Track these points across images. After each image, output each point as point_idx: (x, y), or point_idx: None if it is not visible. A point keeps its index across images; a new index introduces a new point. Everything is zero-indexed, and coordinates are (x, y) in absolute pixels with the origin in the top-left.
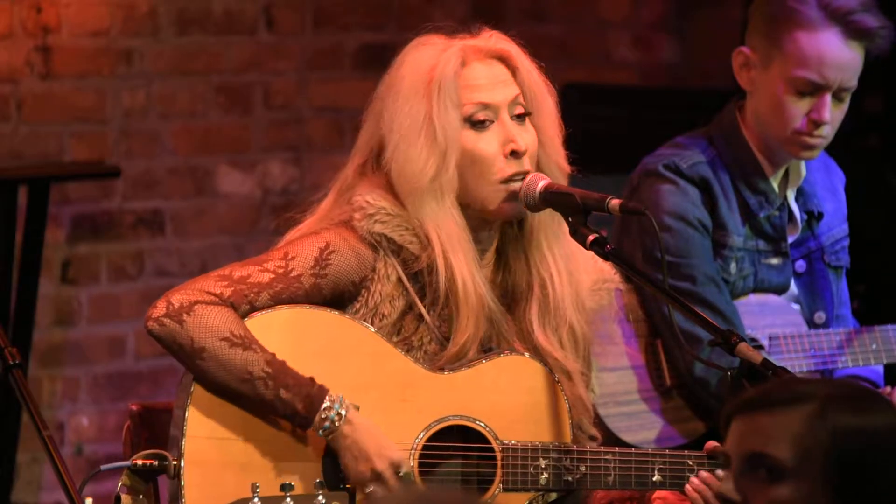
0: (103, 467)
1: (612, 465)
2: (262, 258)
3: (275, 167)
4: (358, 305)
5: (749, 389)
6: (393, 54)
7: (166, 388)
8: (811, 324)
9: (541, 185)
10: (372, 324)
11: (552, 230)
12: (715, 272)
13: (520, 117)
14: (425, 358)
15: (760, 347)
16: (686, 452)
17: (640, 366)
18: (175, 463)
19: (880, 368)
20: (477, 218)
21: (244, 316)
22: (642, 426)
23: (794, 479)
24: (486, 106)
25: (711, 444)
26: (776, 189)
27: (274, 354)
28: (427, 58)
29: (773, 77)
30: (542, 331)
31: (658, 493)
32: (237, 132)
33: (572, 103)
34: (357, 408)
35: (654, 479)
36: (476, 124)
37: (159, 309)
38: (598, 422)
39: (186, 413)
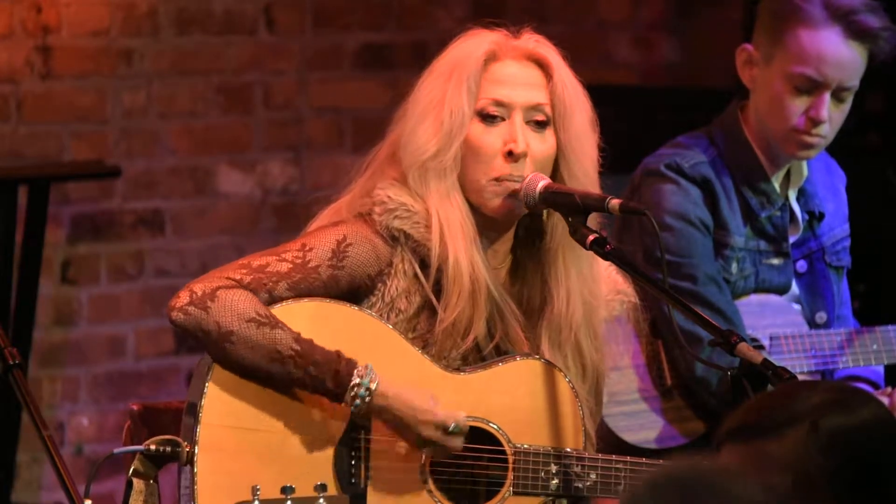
0: (116, 451)
1: (622, 473)
2: (281, 248)
3: (275, 167)
4: (374, 299)
5: (739, 410)
6: (393, 54)
7: (166, 388)
8: (812, 324)
9: (541, 185)
10: (388, 319)
11: (570, 248)
12: (716, 272)
13: (538, 124)
14: (437, 352)
15: (761, 347)
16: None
17: (641, 365)
18: (188, 450)
19: (881, 369)
20: (482, 214)
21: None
22: (643, 426)
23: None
24: (500, 103)
25: None
26: (777, 189)
27: (300, 333)
28: (464, 46)
29: (774, 74)
30: (549, 349)
31: None
32: (237, 132)
33: None
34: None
35: None
36: (486, 118)
37: (182, 298)
38: (599, 422)
39: (203, 401)
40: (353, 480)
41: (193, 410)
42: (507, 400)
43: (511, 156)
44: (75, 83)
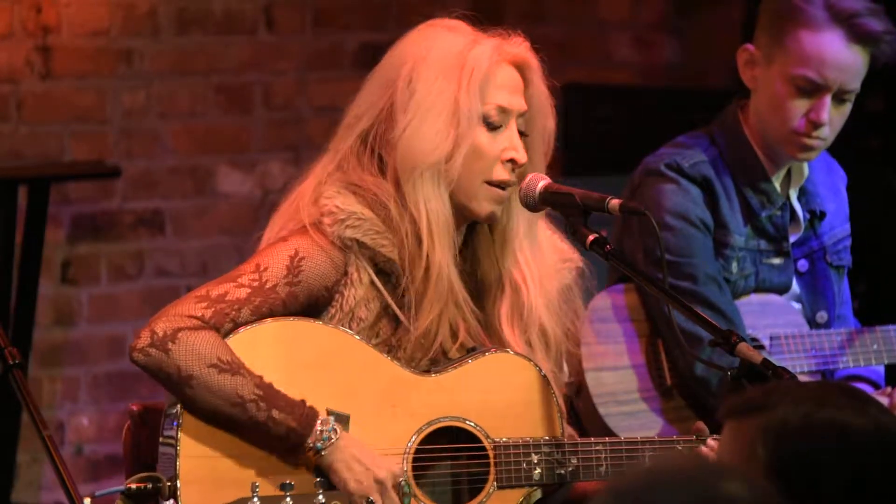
0: (97, 493)
1: (603, 455)
2: (236, 273)
3: (275, 167)
4: (333, 311)
5: (743, 391)
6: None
7: None
8: (813, 323)
9: (541, 185)
10: (349, 328)
11: (523, 235)
12: (716, 272)
13: (520, 132)
14: (406, 357)
15: (762, 347)
16: (675, 437)
17: (641, 365)
18: (170, 484)
19: (881, 369)
20: (462, 213)
21: (228, 334)
22: (642, 426)
23: None
24: (504, 110)
25: (700, 424)
26: (778, 189)
27: (262, 377)
28: (458, 42)
29: (775, 75)
30: (511, 330)
31: None
32: (237, 132)
33: (572, 103)
34: (347, 418)
35: None
36: (490, 124)
37: (143, 339)
38: (599, 422)
39: (179, 433)
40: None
41: (171, 443)
42: (481, 396)
43: (512, 163)
44: (75, 83)
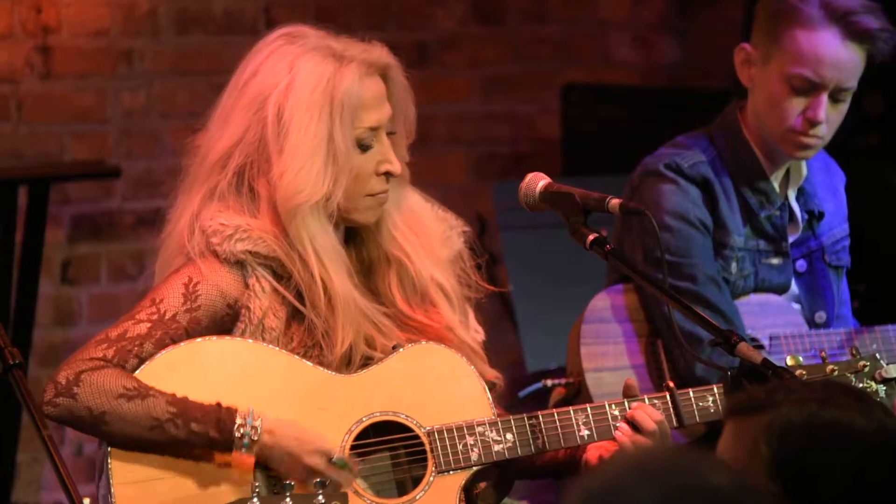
0: None
1: (538, 429)
2: (133, 312)
3: None
4: (242, 326)
5: (745, 391)
6: (393, 54)
7: None
8: (812, 323)
9: (541, 184)
10: (262, 339)
11: (394, 207)
12: (716, 272)
13: (389, 134)
14: (325, 357)
15: (761, 347)
16: (606, 402)
17: (641, 365)
18: None
19: None
20: (344, 218)
21: (135, 370)
22: None
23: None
24: (374, 129)
25: (630, 381)
26: (777, 189)
27: (174, 394)
28: (322, 69)
29: (772, 74)
30: (405, 300)
31: (591, 446)
32: None
33: (572, 103)
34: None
35: (582, 434)
36: (363, 146)
37: (49, 392)
38: None
39: (108, 463)
40: (276, 494)
41: (104, 474)
42: (408, 387)
43: (387, 175)
44: (75, 83)
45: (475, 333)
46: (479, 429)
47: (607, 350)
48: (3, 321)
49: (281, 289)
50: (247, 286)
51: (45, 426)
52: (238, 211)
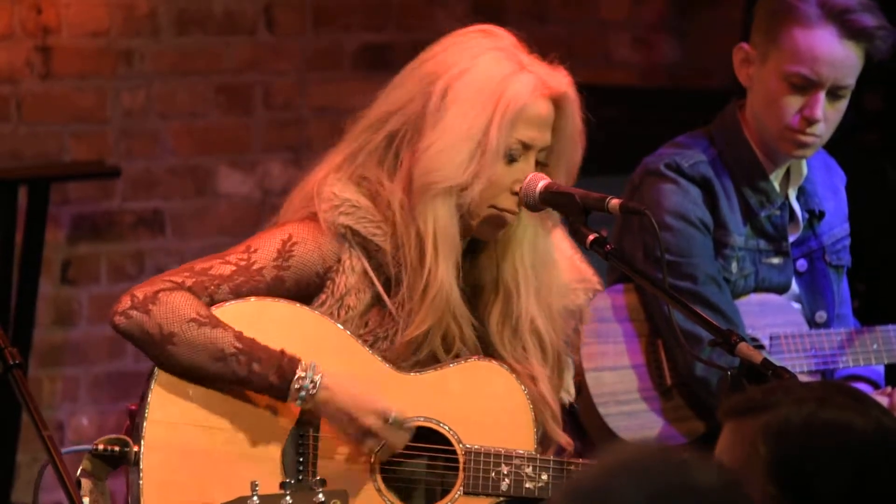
0: (65, 450)
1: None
2: (226, 252)
3: (275, 167)
4: (324, 297)
5: (743, 392)
6: (393, 55)
7: None
8: (812, 323)
9: (541, 184)
10: (338, 315)
11: (526, 245)
12: (716, 272)
13: (538, 162)
14: (392, 351)
15: (761, 347)
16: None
17: (641, 365)
18: (136, 450)
19: (881, 368)
20: (464, 228)
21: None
22: (642, 426)
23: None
24: (527, 145)
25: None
26: (777, 188)
27: (241, 332)
28: (501, 68)
29: (769, 73)
30: (501, 335)
31: None
32: (237, 132)
33: None
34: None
35: None
36: (510, 157)
37: (124, 303)
38: (599, 422)
39: (149, 398)
40: (300, 478)
41: (141, 410)
42: (459, 401)
43: (518, 195)
44: (75, 83)
45: (564, 394)
46: (517, 461)
47: (607, 349)
48: (3, 321)
49: (372, 274)
50: (339, 260)
51: (45, 426)
52: (376, 168)
